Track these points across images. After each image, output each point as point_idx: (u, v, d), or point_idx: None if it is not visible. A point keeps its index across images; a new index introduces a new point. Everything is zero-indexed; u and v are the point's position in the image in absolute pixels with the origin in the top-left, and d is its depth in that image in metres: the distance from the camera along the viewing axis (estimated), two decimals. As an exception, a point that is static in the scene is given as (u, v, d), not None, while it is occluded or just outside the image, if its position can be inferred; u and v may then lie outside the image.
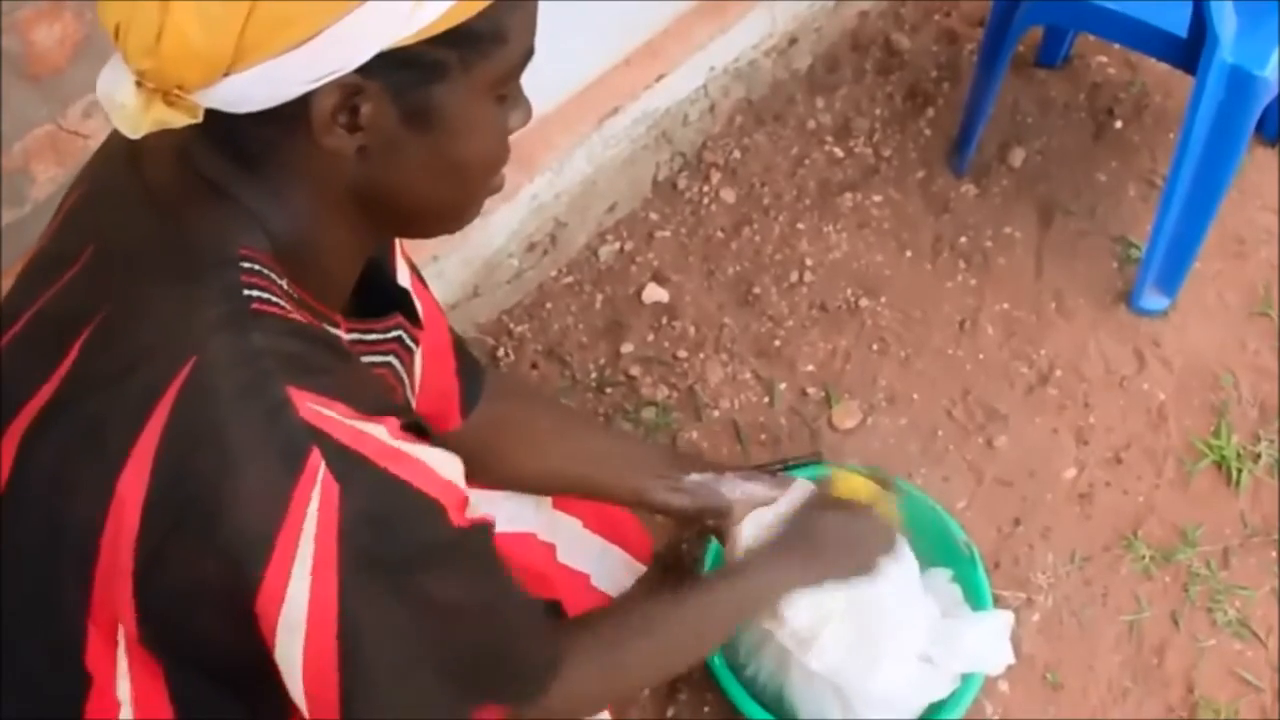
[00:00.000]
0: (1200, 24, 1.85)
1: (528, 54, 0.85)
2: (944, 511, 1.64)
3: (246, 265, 0.83)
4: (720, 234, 2.20)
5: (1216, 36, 1.82)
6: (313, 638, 0.81)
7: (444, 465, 0.86)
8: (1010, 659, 1.51)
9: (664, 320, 2.07)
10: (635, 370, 2.01)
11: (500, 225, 1.98)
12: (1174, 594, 1.79)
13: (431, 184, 0.86)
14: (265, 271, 0.83)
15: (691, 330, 2.07)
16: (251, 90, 0.77)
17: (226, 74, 0.76)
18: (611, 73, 2.14)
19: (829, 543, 1.35)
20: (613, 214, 2.20)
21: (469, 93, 0.82)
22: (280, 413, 0.79)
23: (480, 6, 0.78)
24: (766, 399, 1.99)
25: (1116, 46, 2.45)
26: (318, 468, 0.78)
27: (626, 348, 2.04)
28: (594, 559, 1.46)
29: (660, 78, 2.16)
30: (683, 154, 2.28)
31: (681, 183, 2.27)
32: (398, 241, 1.10)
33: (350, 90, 0.78)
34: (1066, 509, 1.87)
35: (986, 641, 1.49)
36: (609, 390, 1.99)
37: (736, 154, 2.31)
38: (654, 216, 2.22)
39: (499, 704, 0.95)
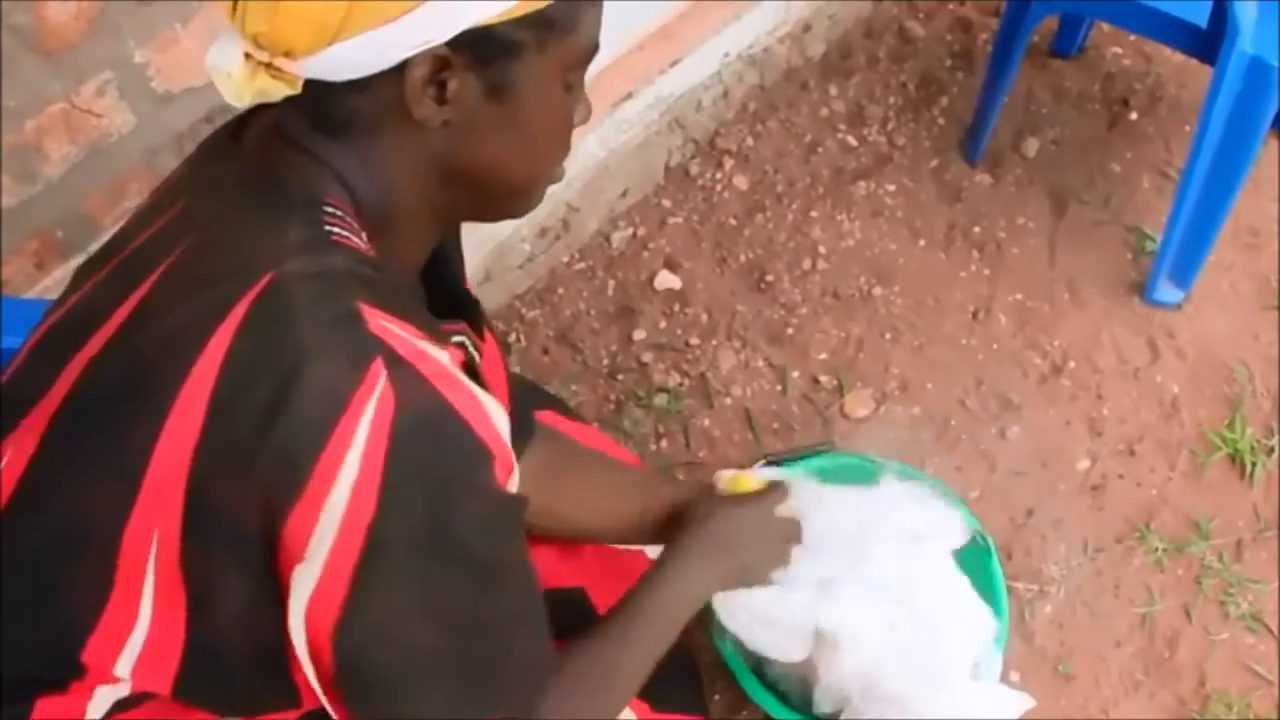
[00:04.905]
0: (1220, 14, 1.84)
1: (593, 47, 0.92)
2: (958, 500, 1.63)
3: (330, 210, 0.88)
4: (733, 221, 2.19)
5: (1237, 27, 1.81)
6: (343, 535, 0.82)
7: (497, 414, 0.89)
8: None
9: (676, 307, 2.06)
10: (647, 356, 2.00)
11: (512, 209, 1.96)
12: (1186, 586, 1.78)
13: (505, 161, 0.93)
14: (348, 219, 0.89)
15: (704, 317, 2.05)
16: (353, 57, 0.83)
17: (333, 41, 0.81)
18: (625, 57, 2.13)
19: (743, 540, 1.33)
20: (625, 199, 2.19)
21: (542, 74, 0.89)
22: (351, 320, 0.83)
23: None
24: (779, 387, 1.98)
25: (1131, 37, 2.44)
26: (379, 377, 0.82)
27: (638, 334, 2.03)
28: None
29: (674, 63, 2.15)
30: (695, 140, 2.27)
31: (694, 169, 2.25)
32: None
33: (441, 63, 0.84)
34: (1079, 500, 1.86)
35: (989, 712, 1.42)
36: (620, 376, 1.98)
37: (749, 140, 2.30)
38: (666, 202, 2.21)
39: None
